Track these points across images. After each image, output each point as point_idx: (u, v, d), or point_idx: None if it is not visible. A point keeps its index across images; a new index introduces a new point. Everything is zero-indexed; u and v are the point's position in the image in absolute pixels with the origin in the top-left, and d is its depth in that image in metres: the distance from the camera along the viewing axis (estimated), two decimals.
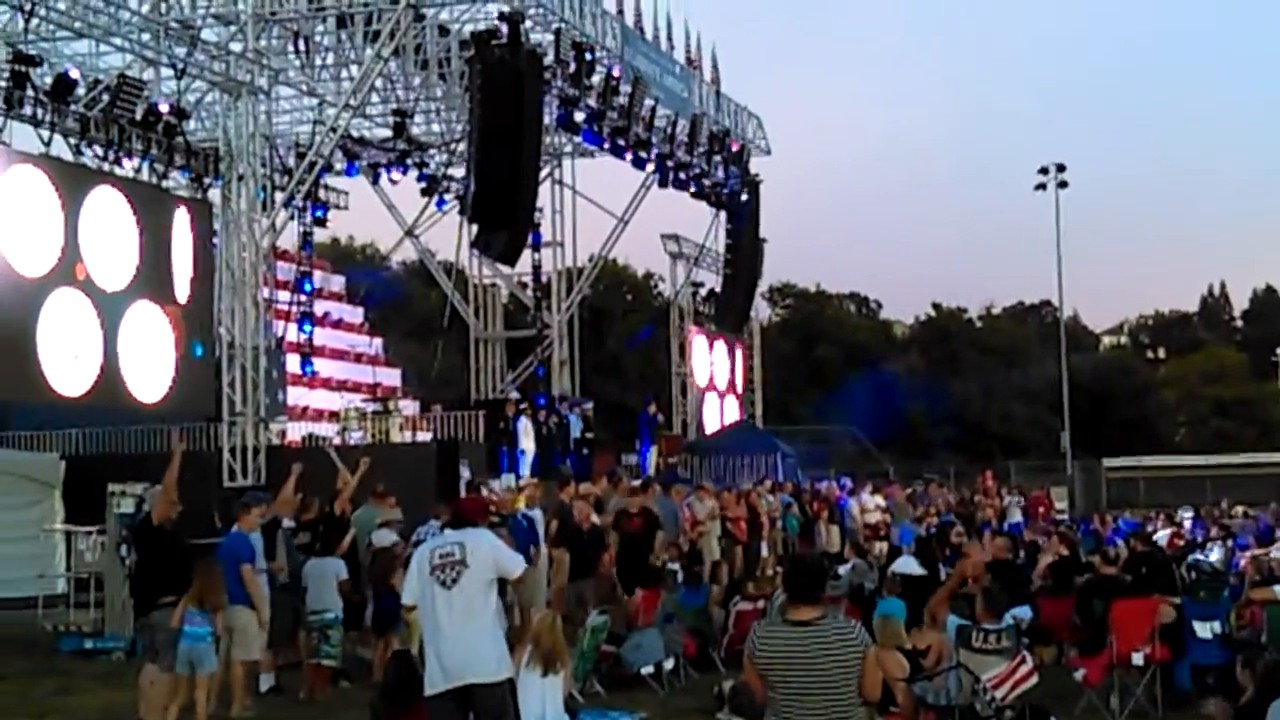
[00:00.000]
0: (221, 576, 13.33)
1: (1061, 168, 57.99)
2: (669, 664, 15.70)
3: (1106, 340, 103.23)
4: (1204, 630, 13.94)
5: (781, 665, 6.78)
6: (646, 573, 18.14)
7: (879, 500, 31.79)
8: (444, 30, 33.49)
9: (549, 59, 30.78)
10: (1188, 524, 32.04)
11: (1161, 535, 23.36)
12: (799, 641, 6.78)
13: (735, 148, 40.80)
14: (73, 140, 29.38)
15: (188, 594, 12.70)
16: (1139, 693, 13.53)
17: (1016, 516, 32.72)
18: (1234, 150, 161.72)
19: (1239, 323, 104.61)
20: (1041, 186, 58.41)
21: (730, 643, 16.42)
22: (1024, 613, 16.23)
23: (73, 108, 28.38)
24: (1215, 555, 23.18)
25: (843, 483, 33.41)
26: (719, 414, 45.11)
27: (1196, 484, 49.78)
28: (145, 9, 29.01)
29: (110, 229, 29.36)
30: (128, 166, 31.46)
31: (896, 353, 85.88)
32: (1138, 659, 13.62)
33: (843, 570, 22.57)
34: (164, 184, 32.96)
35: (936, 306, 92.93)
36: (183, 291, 31.65)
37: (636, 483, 27.03)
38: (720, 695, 13.71)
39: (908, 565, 17.76)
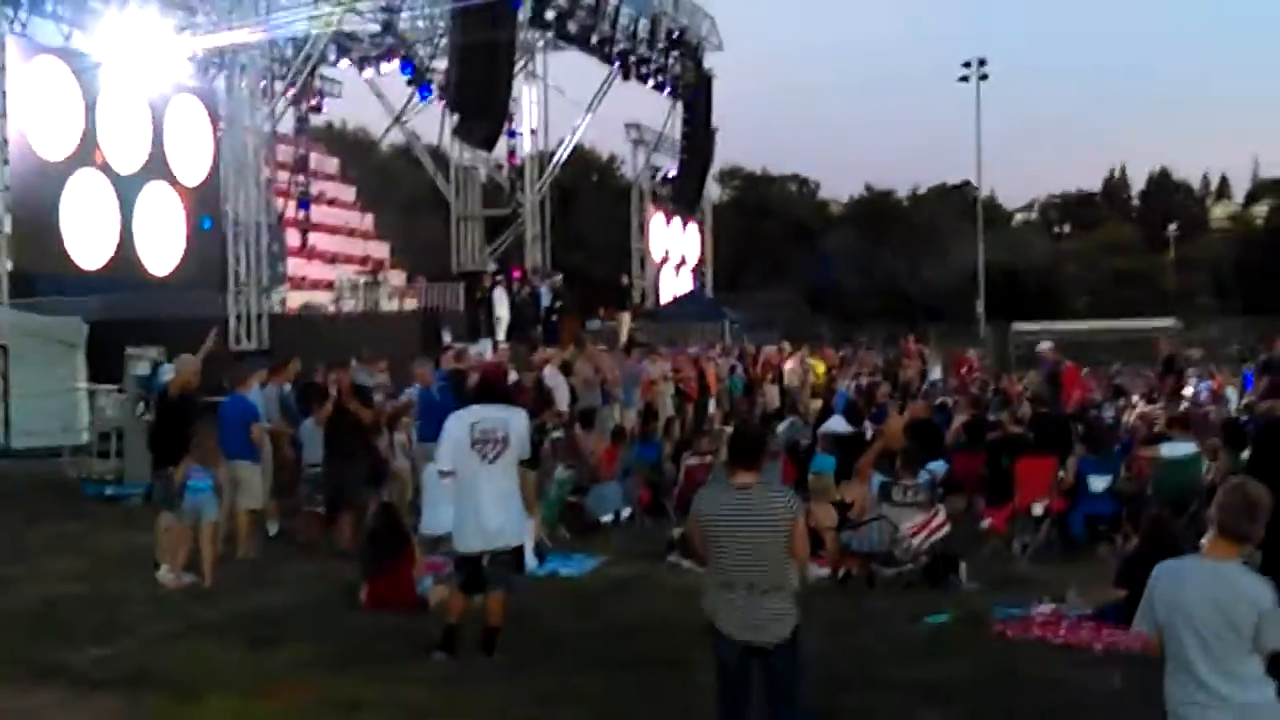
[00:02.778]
0: (214, 437, 13.26)
1: (983, 61, 57.72)
2: (626, 512, 15.82)
3: (1019, 217, 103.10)
4: (1097, 484, 14.09)
5: (721, 524, 6.80)
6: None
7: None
8: None
9: None
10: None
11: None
12: (738, 503, 6.80)
13: (693, 46, 40.38)
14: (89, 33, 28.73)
15: (188, 453, 12.70)
16: (1039, 539, 13.70)
17: (937, 374, 32.83)
18: (1139, 45, 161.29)
19: (1136, 202, 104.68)
20: (965, 79, 58.13)
21: (680, 493, 16.43)
22: (939, 466, 16.38)
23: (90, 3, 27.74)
24: (1109, 413, 23.31)
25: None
26: (674, 285, 45.10)
27: (1095, 347, 50.09)
28: None
29: (126, 116, 28.94)
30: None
31: (832, 229, 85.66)
32: (1038, 509, 13.79)
33: (781, 427, 22.75)
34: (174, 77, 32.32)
35: (868, 188, 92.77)
36: (192, 173, 31.34)
37: (603, 347, 27.13)
38: (671, 541, 13.81)
39: (838, 424, 17.86)
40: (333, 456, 14.50)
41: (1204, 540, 5.42)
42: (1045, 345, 33.97)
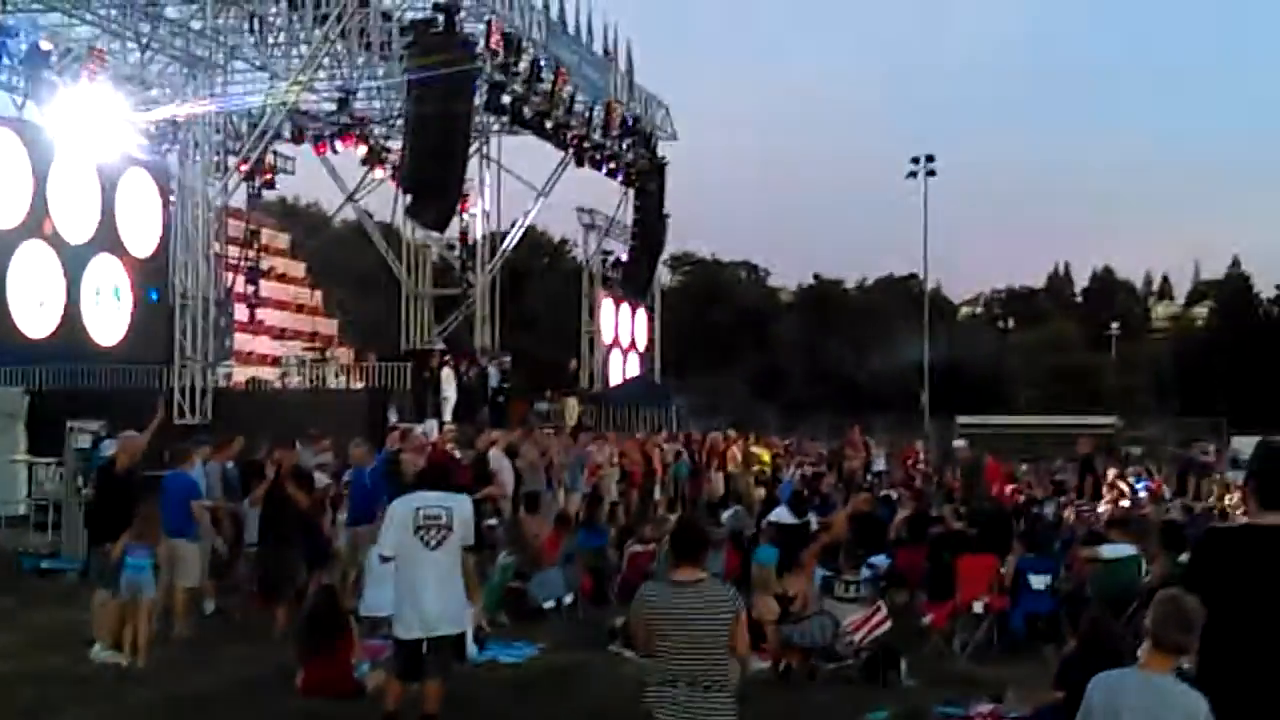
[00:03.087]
0: (157, 516, 13.08)
1: (930, 158, 58.68)
2: (568, 599, 15.72)
3: (964, 310, 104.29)
4: (1038, 582, 14.12)
5: (665, 620, 6.79)
6: None
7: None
8: (386, 16, 32.99)
9: (480, 47, 30.57)
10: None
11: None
12: (681, 600, 6.80)
13: (647, 135, 40.84)
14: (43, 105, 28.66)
15: (128, 529, 12.54)
16: (978, 637, 13.71)
17: (881, 464, 33.03)
18: (1084, 146, 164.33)
19: (1079, 299, 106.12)
20: (913, 174, 59.04)
21: (623, 580, 16.39)
22: (882, 560, 16.42)
23: (45, 75, 27.69)
24: (1049, 509, 23.45)
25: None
26: (622, 369, 45.17)
27: (1035, 441, 50.49)
28: None
29: (75, 188, 28.86)
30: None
31: (781, 316, 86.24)
32: (978, 607, 13.79)
33: (725, 515, 22.76)
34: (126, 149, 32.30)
35: (817, 277, 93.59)
36: (141, 245, 31.23)
37: (550, 430, 27.12)
38: (612, 629, 13.73)
39: (781, 515, 17.87)
40: (267, 539, 14.36)
41: (1140, 652, 5.46)
42: (960, 444, 34.43)
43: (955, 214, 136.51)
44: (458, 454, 20.71)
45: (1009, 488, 24.81)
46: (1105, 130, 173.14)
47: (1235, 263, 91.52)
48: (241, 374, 32.45)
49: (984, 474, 25.55)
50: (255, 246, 39.88)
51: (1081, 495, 23.53)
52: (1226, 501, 25.10)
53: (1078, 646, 10.84)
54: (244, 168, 34.56)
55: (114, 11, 26.18)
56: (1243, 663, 5.54)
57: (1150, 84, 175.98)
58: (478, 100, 32.05)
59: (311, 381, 30.52)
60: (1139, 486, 27.28)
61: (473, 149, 36.39)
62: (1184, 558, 12.30)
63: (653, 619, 6.85)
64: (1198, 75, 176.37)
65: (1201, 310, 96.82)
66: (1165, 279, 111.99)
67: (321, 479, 16.62)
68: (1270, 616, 5.59)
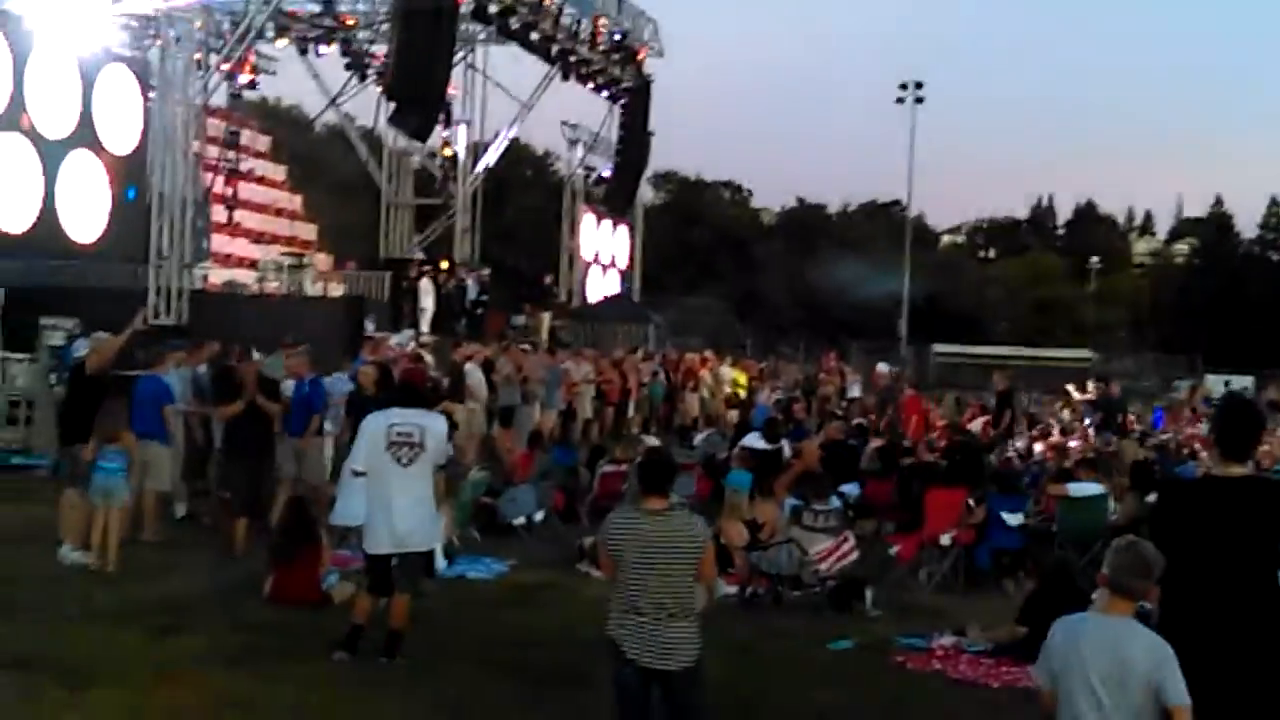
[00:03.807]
0: (121, 414, 12.98)
1: (919, 84, 58.31)
2: (539, 516, 15.75)
3: (946, 239, 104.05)
4: (1011, 520, 14.19)
5: (632, 550, 6.82)
6: None
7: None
8: None
9: None
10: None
11: (975, 425, 23.58)
12: (649, 529, 6.83)
13: (634, 50, 40.36)
14: None
15: (95, 430, 12.49)
16: (944, 569, 13.82)
17: (856, 391, 32.93)
18: (1073, 79, 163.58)
19: (1061, 231, 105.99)
20: (901, 100, 58.67)
21: (595, 500, 16.45)
22: (852, 489, 16.51)
23: None
24: (1020, 443, 23.51)
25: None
26: (600, 285, 45.05)
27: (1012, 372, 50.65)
28: None
29: (54, 83, 28.48)
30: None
31: (762, 238, 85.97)
32: (945, 540, 13.87)
33: (698, 439, 22.83)
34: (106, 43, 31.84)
35: (800, 200, 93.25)
36: (120, 142, 30.87)
37: (525, 346, 27.06)
38: (582, 548, 13.79)
39: (755, 440, 17.93)
40: (232, 454, 14.04)
41: (1095, 597, 5.51)
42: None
43: (941, 142, 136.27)
44: (430, 365, 20.60)
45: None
46: (1093, 65, 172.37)
47: (1218, 201, 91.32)
48: (218, 276, 32.26)
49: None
50: (235, 147, 39.50)
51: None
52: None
53: (1040, 584, 10.98)
54: (225, 66, 34.12)
55: None
56: (1203, 614, 5.64)
57: (1138, 19, 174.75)
58: (464, 8, 31.63)
59: (289, 287, 30.33)
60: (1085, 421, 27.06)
61: (458, 58, 35.95)
62: (1152, 498, 12.42)
63: (618, 547, 6.88)
64: (1188, 13, 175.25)
65: (1182, 248, 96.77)
66: (1148, 215, 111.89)
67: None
68: (1228, 567, 5.70)
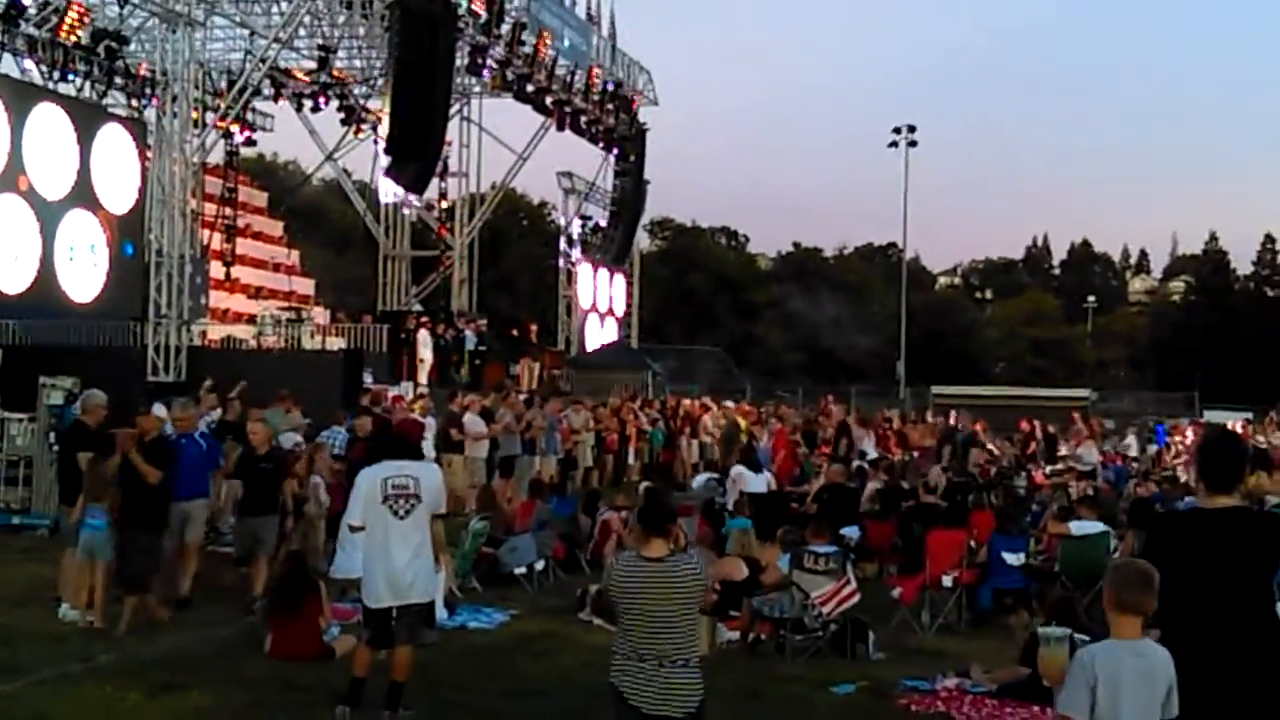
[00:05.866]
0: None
1: (913, 128, 58.65)
2: (540, 565, 15.72)
3: (942, 280, 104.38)
4: (1012, 559, 14.17)
5: (633, 595, 6.80)
6: None
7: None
8: None
9: (463, 8, 30.39)
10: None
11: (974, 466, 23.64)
12: (650, 575, 6.81)
13: (628, 100, 40.70)
14: (20, 59, 28.43)
15: (83, 490, 12.44)
16: (947, 610, 13.78)
17: (868, 446, 31.98)
18: (1065, 122, 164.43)
19: (1057, 271, 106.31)
20: (894, 144, 58.98)
21: (595, 547, 16.43)
22: (853, 532, 16.47)
23: (22, 28, 27.43)
24: (1021, 481, 23.55)
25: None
26: (599, 334, 45.13)
27: (1010, 413, 50.59)
28: None
29: (52, 142, 28.64)
30: (70, 86, 30.65)
31: (760, 283, 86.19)
32: (947, 581, 13.83)
33: (697, 483, 22.75)
34: (103, 103, 32.09)
35: (796, 244, 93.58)
36: (117, 201, 31.00)
37: (523, 395, 27.07)
38: (583, 596, 13.76)
39: (756, 485, 17.90)
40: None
41: (1111, 623, 5.54)
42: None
43: (935, 185, 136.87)
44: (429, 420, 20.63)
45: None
46: (1086, 105, 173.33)
47: (1213, 238, 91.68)
48: (216, 332, 32.30)
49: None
50: (232, 204, 39.68)
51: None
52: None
53: (1045, 621, 10.93)
54: (222, 124, 34.34)
55: None
56: (1200, 644, 5.67)
57: (1131, 60, 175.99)
58: (459, 62, 31.89)
59: (287, 341, 30.35)
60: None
61: (453, 111, 36.23)
62: None
63: (622, 595, 6.87)
64: (1179, 52, 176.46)
65: (1178, 285, 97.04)
66: (1143, 253, 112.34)
67: (293, 438, 16.56)
68: (1222, 597, 5.76)
